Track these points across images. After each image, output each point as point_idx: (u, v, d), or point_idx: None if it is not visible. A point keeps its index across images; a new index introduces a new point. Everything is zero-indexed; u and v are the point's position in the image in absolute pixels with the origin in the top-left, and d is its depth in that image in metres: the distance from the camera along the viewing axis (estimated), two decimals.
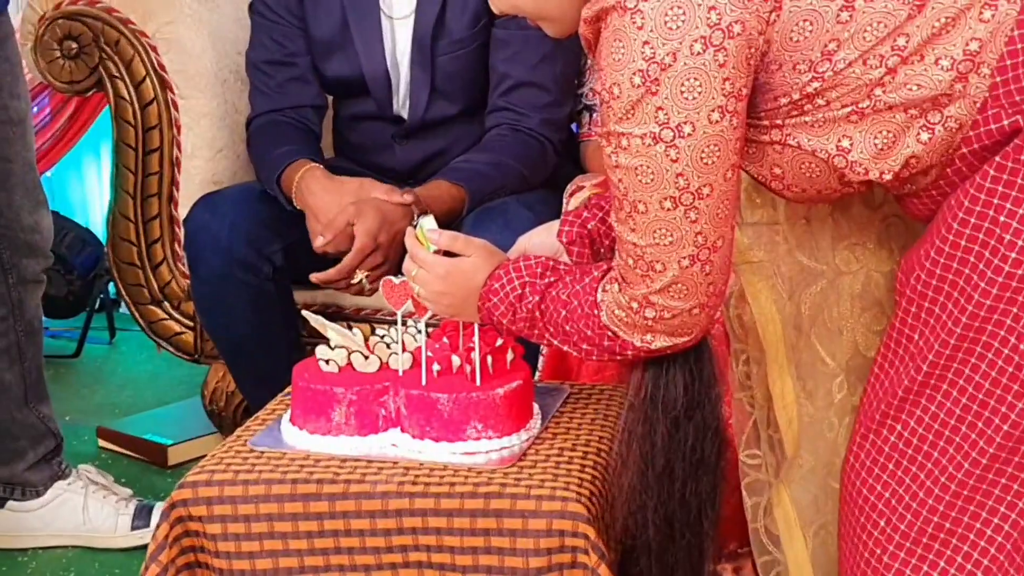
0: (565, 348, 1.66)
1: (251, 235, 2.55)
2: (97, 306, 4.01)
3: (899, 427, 1.48)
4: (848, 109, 1.43)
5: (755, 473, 1.80)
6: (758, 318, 1.73)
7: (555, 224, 1.85)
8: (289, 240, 2.57)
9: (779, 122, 1.47)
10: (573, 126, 2.81)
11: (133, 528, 2.66)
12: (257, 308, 2.57)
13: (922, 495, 1.46)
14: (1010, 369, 1.40)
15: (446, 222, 2.46)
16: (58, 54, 2.85)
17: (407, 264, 1.81)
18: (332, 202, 2.46)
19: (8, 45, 2.50)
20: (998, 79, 1.37)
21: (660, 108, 1.42)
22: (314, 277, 2.43)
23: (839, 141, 1.45)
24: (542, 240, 1.85)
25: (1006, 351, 1.40)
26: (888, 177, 1.45)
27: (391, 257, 2.41)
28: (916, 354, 1.47)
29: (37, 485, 2.67)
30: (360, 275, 2.39)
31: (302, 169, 2.55)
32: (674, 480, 1.64)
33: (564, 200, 2.52)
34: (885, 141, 1.43)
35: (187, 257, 2.65)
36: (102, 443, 3.20)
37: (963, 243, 1.41)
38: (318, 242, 2.44)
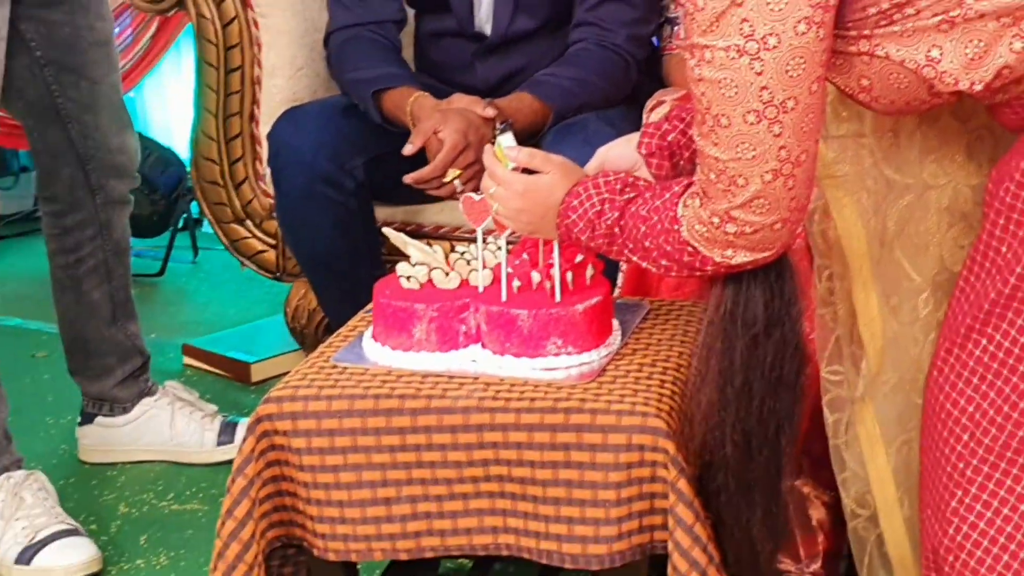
0: (644, 264, 1.66)
1: (334, 150, 2.56)
2: (181, 225, 4.05)
3: (984, 341, 1.47)
4: (939, 18, 1.40)
5: (837, 389, 1.80)
6: (842, 233, 1.71)
7: (635, 136, 1.85)
8: (371, 155, 2.58)
9: (867, 32, 1.44)
10: (654, 40, 2.78)
11: (219, 444, 2.70)
12: (339, 223, 2.58)
13: (1007, 409, 1.45)
14: None
15: (528, 136, 2.47)
16: None
17: (485, 181, 1.81)
18: (429, 118, 2.47)
19: None
20: None
21: (745, 20, 1.39)
22: (408, 177, 2.43)
23: (929, 51, 1.42)
24: (621, 152, 1.85)
25: None
26: (979, 88, 1.42)
27: (482, 160, 2.40)
28: (1004, 267, 1.45)
29: (125, 401, 2.72)
30: (453, 173, 2.39)
31: (411, 97, 2.56)
32: (752, 397, 1.63)
33: (644, 115, 2.51)
34: (976, 50, 1.40)
35: (271, 172, 2.67)
36: (187, 360, 3.26)
37: None
38: (407, 149, 2.44)
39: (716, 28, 1.41)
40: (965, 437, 1.48)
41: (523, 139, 2.28)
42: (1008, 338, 1.45)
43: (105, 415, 2.72)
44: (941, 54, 1.41)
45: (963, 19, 1.39)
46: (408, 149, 2.43)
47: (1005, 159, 1.47)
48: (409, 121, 2.52)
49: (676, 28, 2.73)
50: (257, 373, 3.13)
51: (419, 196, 2.58)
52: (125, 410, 2.71)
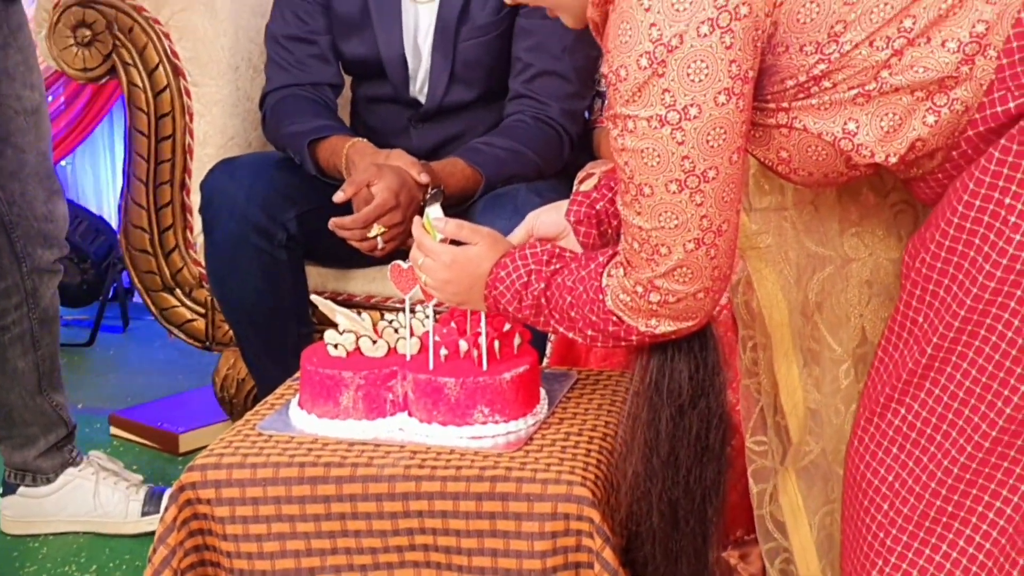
0: (571, 335, 1.67)
1: (267, 201, 2.56)
2: (111, 295, 4.02)
3: (903, 411, 1.48)
4: (855, 91, 1.43)
5: (761, 460, 1.81)
6: (764, 304, 1.73)
7: (563, 204, 1.87)
8: (304, 208, 2.58)
9: (785, 105, 1.47)
10: (587, 113, 2.81)
11: (143, 514, 2.67)
12: (269, 275, 2.57)
13: (924, 478, 1.46)
14: (1013, 352, 1.40)
15: (458, 202, 2.48)
16: (72, 42, 2.87)
17: (413, 252, 1.82)
18: (364, 170, 2.46)
19: (21, 34, 2.50)
20: (1004, 61, 1.37)
21: (666, 90, 1.42)
22: (332, 221, 2.41)
23: (845, 124, 1.45)
24: (550, 218, 1.86)
25: (1010, 334, 1.40)
26: (894, 160, 1.45)
27: (408, 220, 2.40)
28: (920, 337, 1.46)
29: (48, 472, 2.68)
30: (377, 229, 2.38)
31: (348, 143, 2.57)
32: (679, 467, 1.64)
33: (575, 186, 2.52)
34: (891, 123, 1.43)
35: (203, 221, 2.65)
36: (114, 431, 3.22)
37: (968, 226, 1.41)
38: (337, 196, 2.43)
39: (638, 98, 1.43)
40: (885, 506, 1.49)
41: (454, 204, 2.30)
42: (926, 408, 1.46)
43: (28, 485, 2.68)
44: (857, 127, 1.44)
45: (878, 93, 1.42)
46: (338, 196, 2.41)
47: (920, 231, 1.49)
48: (344, 167, 2.52)
49: (606, 101, 2.76)
50: (185, 444, 3.10)
51: (348, 255, 2.56)
52: (48, 480, 2.68)
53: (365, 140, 2.58)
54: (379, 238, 2.40)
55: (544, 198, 2.36)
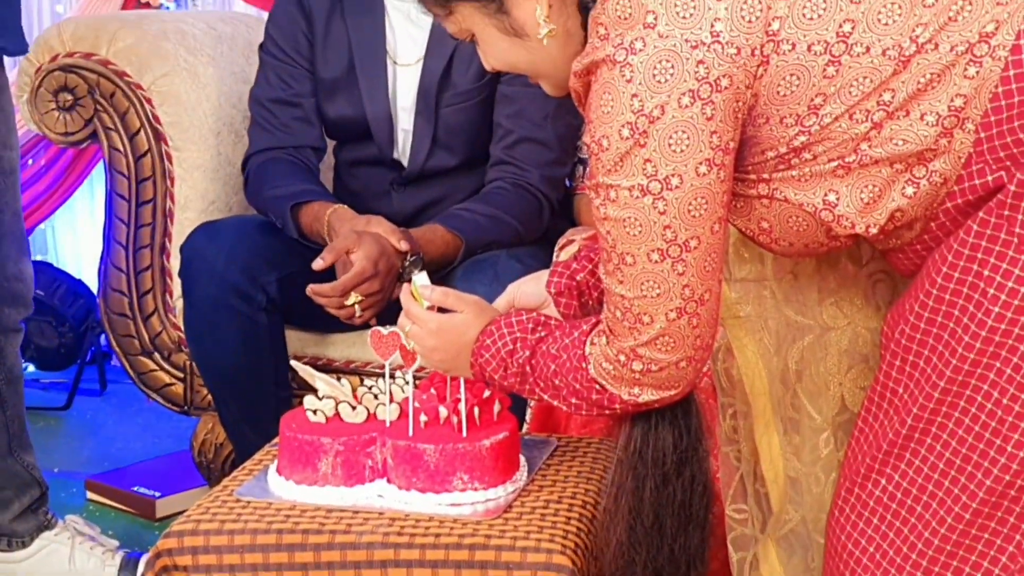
0: (555, 403, 1.67)
1: (247, 263, 2.55)
2: (89, 358, 4.00)
3: (883, 481, 1.48)
4: (835, 163, 1.44)
5: (741, 528, 1.80)
6: (745, 373, 1.73)
7: (544, 274, 1.87)
8: (284, 272, 2.57)
9: (766, 176, 1.48)
10: (568, 181, 2.82)
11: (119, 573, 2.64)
12: (248, 338, 2.56)
13: (906, 550, 1.46)
14: (993, 423, 1.40)
15: (438, 268, 2.48)
16: (53, 106, 2.87)
17: (401, 319, 1.82)
18: (344, 237, 2.46)
19: (3, 96, 2.50)
20: (982, 135, 1.38)
21: (648, 160, 1.42)
22: (310, 288, 2.42)
23: (826, 195, 1.45)
24: (531, 289, 1.87)
25: (989, 405, 1.40)
26: (874, 231, 1.46)
27: (387, 288, 2.41)
28: (900, 408, 1.47)
29: (23, 535, 2.65)
30: (354, 298, 2.38)
31: (329, 209, 2.57)
32: (664, 535, 1.64)
33: (555, 253, 2.54)
34: (871, 195, 1.44)
35: (182, 282, 2.64)
36: (90, 495, 3.19)
37: (947, 296, 1.42)
38: (316, 263, 2.43)
39: (620, 168, 1.44)
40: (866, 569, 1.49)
41: (434, 271, 2.30)
42: (906, 478, 1.46)
43: (2, 550, 2.65)
44: (838, 198, 1.45)
45: (858, 164, 1.43)
46: (318, 264, 2.41)
47: (900, 301, 1.50)
48: (325, 232, 2.52)
49: (587, 168, 2.77)
50: (162, 509, 3.07)
51: (328, 320, 2.55)
52: (23, 544, 2.65)
53: (346, 207, 2.58)
54: (357, 306, 2.40)
55: (524, 264, 2.38)
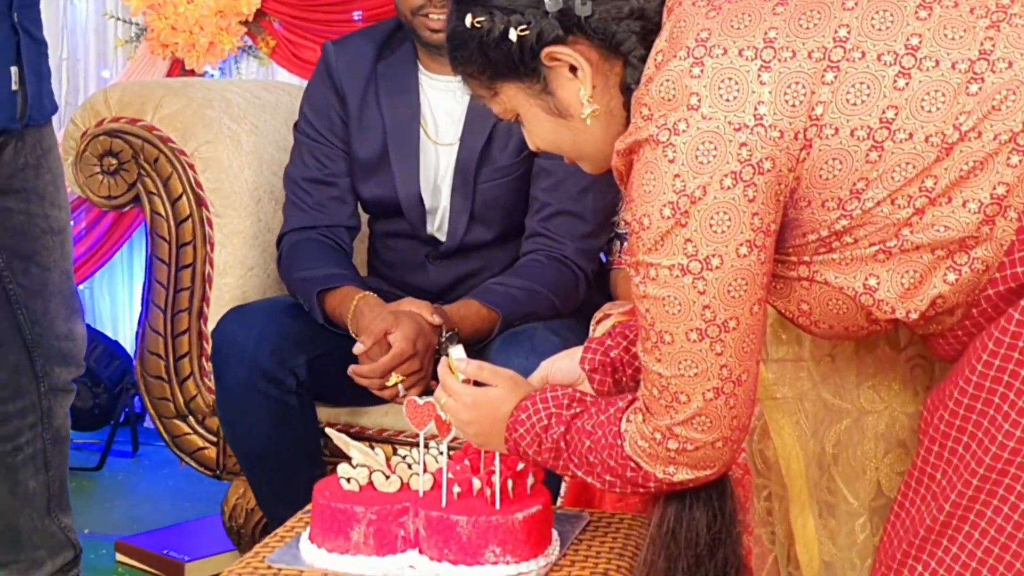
0: (589, 479, 1.66)
1: (276, 348, 2.57)
2: (122, 419, 4.01)
3: (920, 567, 1.47)
4: (876, 248, 1.44)
5: None
6: (781, 454, 1.73)
7: (578, 350, 1.87)
8: (314, 354, 2.59)
9: (807, 258, 1.48)
10: (602, 255, 2.83)
11: None
12: (279, 420, 2.58)
13: None
14: None
15: (475, 342, 2.48)
16: (97, 169, 2.90)
17: (438, 391, 1.83)
18: (380, 320, 2.48)
19: (52, 156, 2.53)
20: None
21: (689, 240, 1.43)
22: (352, 369, 2.45)
23: (866, 279, 1.46)
24: (565, 366, 1.87)
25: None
26: (915, 316, 1.46)
27: (426, 366, 2.44)
28: (939, 494, 1.46)
29: None
30: (396, 378, 2.41)
31: (357, 296, 2.58)
32: None
33: (592, 327, 2.54)
34: (912, 280, 1.44)
35: (213, 367, 2.67)
36: (120, 557, 3.19)
37: (988, 384, 1.41)
38: (357, 348, 2.45)
39: (661, 247, 1.44)
40: None
41: (470, 345, 2.30)
42: (943, 565, 1.45)
43: None
44: (878, 283, 1.45)
45: (899, 250, 1.43)
46: (358, 348, 2.44)
47: (939, 387, 1.49)
48: (351, 317, 2.54)
49: (624, 244, 2.78)
50: (191, 573, 3.06)
51: (361, 397, 2.58)
52: None
53: (375, 295, 2.59)
54: (400, 385, 2.42)
55: (562, 337, 2.38)
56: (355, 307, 2.55)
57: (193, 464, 2.92)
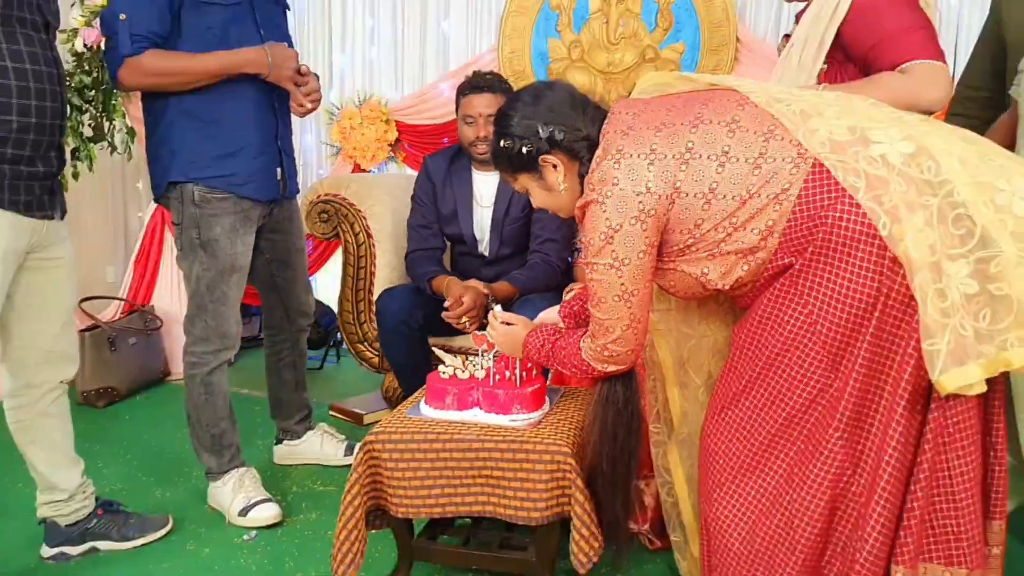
0: (564, 371, 1.65)
1: (407, 308, 2.56)
2: (332, 343, 4.01)
3: (731, 412, 1.46)
4: (706, 253, 1.43)
5: (657, 436, 1.79)
6: (661, 358, 1.72)
7: (557, 307, 1.86)
8: (426, 311, 2.58)
9: (672, 259, 1.47)
10: (569, 259, 2.82)
11: (345, 455, 2.65)
12: (409, 344, 2.57)
13: (741, 447, 1.44)
14: (786, 382, 1.38)
15: (506, 301, 2.48)
16: (317, 220, 2.90)
17: (489, 329, 1.82)
18: (457, 289, 2.48)
19: (297, 213, 2.49)
20: (782, 240, 1.37)
21: (614, 251, 1.42)
22: (445, 315, 2.45)
23: (702, 270, 1.45)
24: (551, 314, 1.86)
25: (785, 374, 1.38)
26: (727, 286, 1.45)
27: (480, 314, 2.43)
28: (741, 374, 1.45)
29: (299, 433, 2.66)
30: (465, 319, 2.41)
31: (448, 279, 2.57)
32: (617, 439, 1.62)
33: (564, 295, 2.52)
34: (725, 269, 1.43)
35: (376, 318, 2.66)
36: (332, 413, 3.19)
37: (765, 318, 1.41)
38: (447, 303, 2.45)
39: (599, 255, 1.43)
40: (720, 461, 1.47)
41: (504, 304, 2.29)
42: (743, 410, 1.44)
43: (288, 440, 2.67)
44: (708, 271, 1.44)
45: (719, 254, 1.42)
46: (448, 304, 2.44)
47: (741, 322, 1.48)
48: (445, 289, 2.53)
49: (580, 253, 2.75)
50: (367, 420, 3.08)
51: (450, 330, 2.57)
52: (298, 436, 2.66)
53: (455, 278, 2.58)
54: (466, 323, 2.41)
55: (548, 300, 2.36)
56: (447, 284, 2.54)
57: (367, 366, 2.93)
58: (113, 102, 3.27)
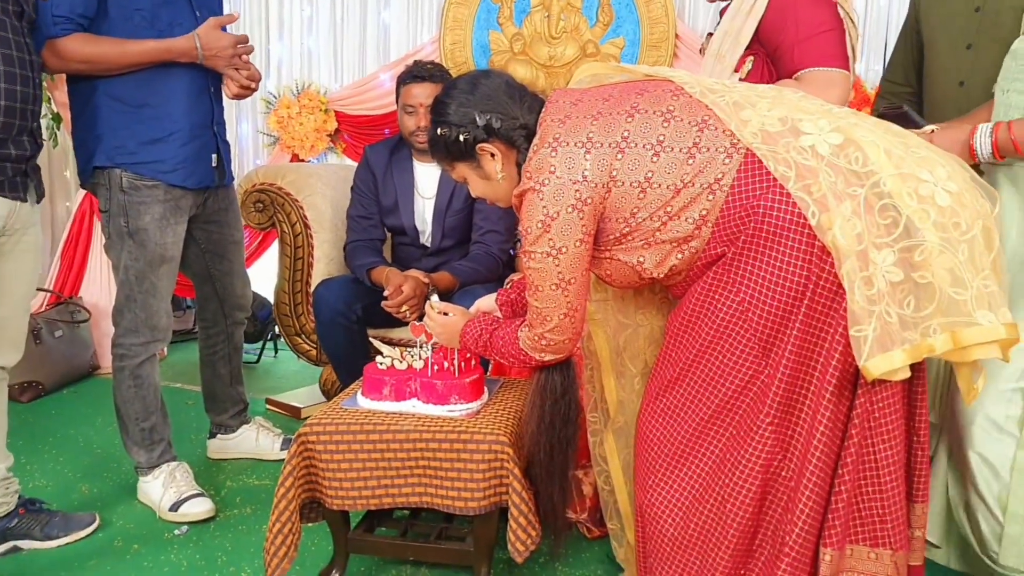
0: (503, 361, 1.65)
1: (346, 299, 2.52)
2: (269, 337, 3.94)
3: (665, 399, 1.47)
4: (642, 242, 1.43)
5: (595, 425, 1.79)
6: (598, 347, 1.72)
7: (494, 295, 1.86)
8: (365, 302, 2.55)
9: (608, 248, 1.47)
10: (511, 250, 2.82)
11: (281, 449, 2.61)
12: (347, 336, 2.53)
13: (674, 435, 1.44)
14: (718, 370, 1.39)
15: (447, 292, 2.46)
16: (252, 210, 2.84)
17: (426, 320, 1.81)
18: (397, 279, 2.45)
19: (233, 203, 2.43)
20: (715, 229, 1.38)
21: (551, 239, 1.42)
22: (384, 304, 2.40)
23: (638, 258, 1.45)
24: (488, 303, 1.85)
25: (717, 361, 1.39)
26: (662, 275, 1.45)
27: (420, 304, 2.40)
28: (674, 362, 1.45)
29: (234, 427, 2.61)
30: (404, 309, 2.38)
31: (387, 270, 2.54)
32: (554, 428, 1.62)
33: (505, 284, 2.52)
34: (660, 258, 1.43)
35: (313, 310, 2.62)
36: (268, 407, 3.14)
37: (698, 306, 1.41)
38: (386, 293, 2.41)
39: (537, 243, 1.43)
40: (655, 449, 1.47)
41: (443, 295, 2.28)
42: (676, 396, 1.44)
43: (222, 434, 2.61)
44: (644, 259, 1.44)
45: (655, 243, 1.42)
46: (387, 292, 2.40)
47: (675, 311, 1.48)
48: (384, 280, 2.49)
49: (520, 243, 2.75)
50: (304, 413, 3.03)
51: (390, 322, 2.54)
52: (232, 430, 2.61)
53: (396, 268, 2.56)
54: (406, 311, 2.39)
55: (488, 290, 2.36)
56: (386, 275, 2.51)
57: (304, 359, 2.88)
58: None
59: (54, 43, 1.98)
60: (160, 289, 2.19)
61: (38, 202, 1.93)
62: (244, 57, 2.17)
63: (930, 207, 1.26)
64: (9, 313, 1.93)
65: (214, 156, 2.24)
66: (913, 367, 1.29)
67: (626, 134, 1.40)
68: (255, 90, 2.23)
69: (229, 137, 2.35)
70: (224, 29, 2.15)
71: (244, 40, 2.17)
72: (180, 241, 2.21)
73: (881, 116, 1.67)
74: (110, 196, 2.13)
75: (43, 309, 3.37)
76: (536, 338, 1.52)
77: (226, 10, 2.43)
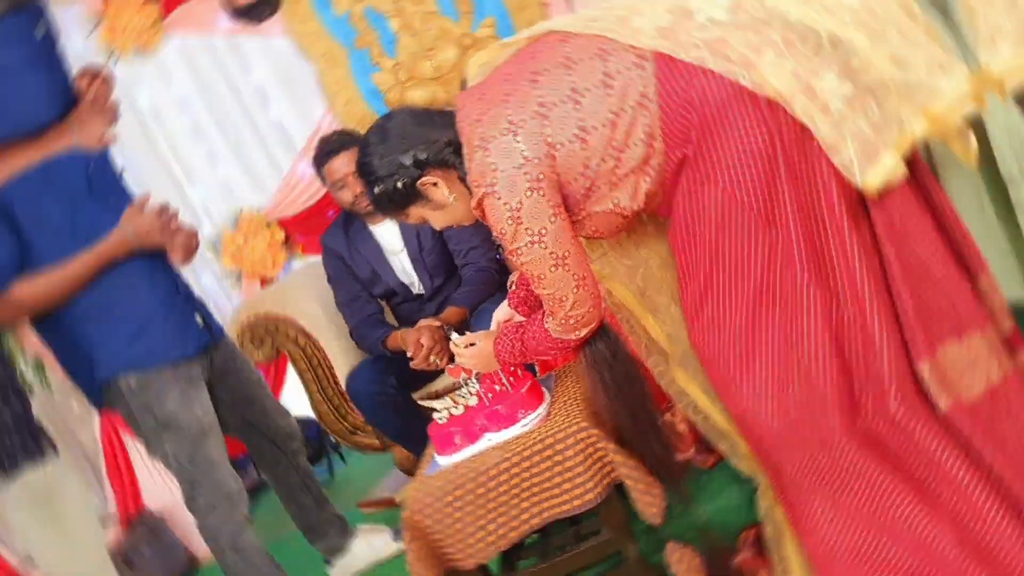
0: (545, 357, 1.64)
1: (377, 379, 2.55)
2: (329, 449, 3.93)
3: (704, 311, 1.42)
4: (608, 186, 1.43)
5: (658, 368, 1.74)
6: (621, 299, 1.71)
7: (504, 304, 1.86)
8: (396, 372, 2.57)
9: (582, 207, 1.46)
10: (498, 256, 2.82)
11: (395, 540, 2.56)
12: (396, 411, 2.55)
13: (728, 338, 1.40)
14: (735, 256, 1.36)
15: (461, 325, 2.48)
16: (252, 347, 2.86)
17: (457, 359, 1.80)
18: (412, 336, 2.46)
19: (237, 348, 2.44)
20: (665, 139, 1.37)
21: (527, 228, 1.42)
22: (413, 364, 2.42)
23: (612, 202, 1.45)
24: (504, 311, 1.85)
25: (733, 248, 1.36)
26: (642, 205, 1.45)
27: (444, 348, 2.41)
28: (694, 272, 1.41)
29: (343, 544, 2.56)
30: (433, 358, 2.39)
31: (398, 332, 2.56)
32: (622, 391, 1.62)
33: (508, 286, 2.53)
34: (632, 191, 1.43)
35: (354, 403, 2.63)
36: (364, 511, 3.07)
37: (688, 213, 1.39)
38: (409, 354, 2.43)
39: (516, 238, 1.43)
40: (719, 357, 1.42)
41: (461, 326, 2.28)
42: (711, 305, 1.41)
43: (335, 558, 2.54)
44: (618, 199, 1.44)
45: (619, 179, 1.42)
46: (410, 353, 2.42)
47: (670, 228, 1.46)
48: (402, 344, 2.51)
49: (502, 247, 2.76)
50: (399, 499, 2.95)
51: (426, 377, 2.55)
52: (342, 549, 2.54)
53: (405, 328, 2.58)
54: (436, 360, 2.40)
55: (497, 302, 2.36)
56: (400, 337, 2.52)
57: (371, 451, 2.88)
58: (6, 347, 3.14)
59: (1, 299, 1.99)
60: (215, 459, 2.19)
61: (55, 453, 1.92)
62: (174, 222, 2.17)
63: (842, 13, 1.26)
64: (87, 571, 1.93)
65: (198, 316, 2.24)
66: (908, 162, 1.29)
67: (540, 100, 1.40)
68: (197, 245, 2.24)
69: (197, 294, 2.35)
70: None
71: (166, 207, 2.17)
72: (209, 408, 2.21)
73: None
74: (128, 403, 2.13)
75: (121, 538, 3.38)
76: (563, 321, 1.52)
77: (132, 183, 2.41)
